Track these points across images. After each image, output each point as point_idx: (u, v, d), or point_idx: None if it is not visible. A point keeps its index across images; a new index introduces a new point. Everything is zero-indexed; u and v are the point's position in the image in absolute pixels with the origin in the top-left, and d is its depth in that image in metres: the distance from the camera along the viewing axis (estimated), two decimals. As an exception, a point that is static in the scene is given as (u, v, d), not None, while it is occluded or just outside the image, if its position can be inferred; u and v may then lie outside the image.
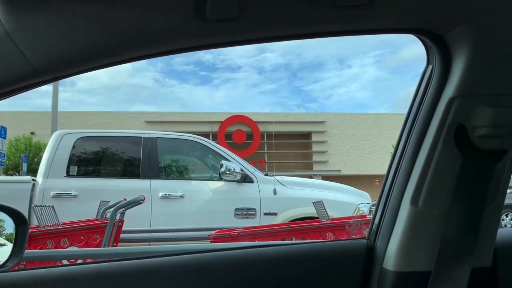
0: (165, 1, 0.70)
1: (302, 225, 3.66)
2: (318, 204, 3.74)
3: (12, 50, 0.71)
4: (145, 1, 0.70)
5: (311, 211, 4.36)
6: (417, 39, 0.97)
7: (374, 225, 1.19)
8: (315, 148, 24.33)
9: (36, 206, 3.50)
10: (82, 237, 3.42)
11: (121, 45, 0.74)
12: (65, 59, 0.74)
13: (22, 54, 0.71)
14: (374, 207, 1.27)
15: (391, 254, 1.09)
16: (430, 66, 1.02)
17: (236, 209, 5.28)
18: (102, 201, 4.25)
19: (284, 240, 3.38)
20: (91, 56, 0.74)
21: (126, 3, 0.70)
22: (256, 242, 3.27)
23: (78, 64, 0.75)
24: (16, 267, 1.18)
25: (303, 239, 3.44)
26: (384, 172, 1.19)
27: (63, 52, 0.73)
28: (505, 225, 11.71)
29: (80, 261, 2.61)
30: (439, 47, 0.94)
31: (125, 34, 0.73)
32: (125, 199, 3.81)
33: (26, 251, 1.15)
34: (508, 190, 1.16)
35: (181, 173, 6.33)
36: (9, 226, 1.11)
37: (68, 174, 5.29)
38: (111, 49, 0.74)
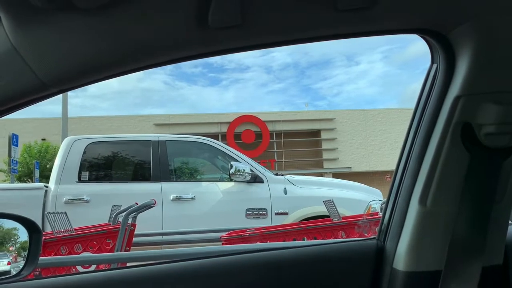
0: (167, 11, 0.71)
1: (313, 225, 3.66)
2: (329, 203, 3.74)
3: (19, 64, 0.72)
4: (148, 13, 0.71)
5: (322, 209, 4.35)
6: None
7: (383, 225, 1.19)
8: (324, 145, 24.21)
9: (49, 213, 3.54)
10: (95, 243, 3.46)
11: (125, 56, 0.75)
12: (71, 72, 0.75)
13: (29, 68, 0.72)
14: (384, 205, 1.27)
15: (401, 254, 1.09)
16: (435, 65, 1.02)
17: (247, 210, 5.28)
18: (114, 205, 4.28)
19: (295, 240, 3.38)
20: (96, 68, 0.75)
21: (129, 15, 0.70)
22: (267, 244, 3.27)
23: (83, 76, 0.76)
24: (32, 275, 1.20)
25: (315, 239, 3.44)
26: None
27: (69, 65, 0.74)
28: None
29: (93, 266, 2.63)
30: (443, 46, 0.93)
31: (129, 46, 0.74)
32: (137, 203, 3.84)
33: (40, 257, 1.17)
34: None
35: (191, 175, 6.36)
36: (24, 234, 1.12)
37: (79, 180, 5.34)
38: (114, 60, 0.75)
